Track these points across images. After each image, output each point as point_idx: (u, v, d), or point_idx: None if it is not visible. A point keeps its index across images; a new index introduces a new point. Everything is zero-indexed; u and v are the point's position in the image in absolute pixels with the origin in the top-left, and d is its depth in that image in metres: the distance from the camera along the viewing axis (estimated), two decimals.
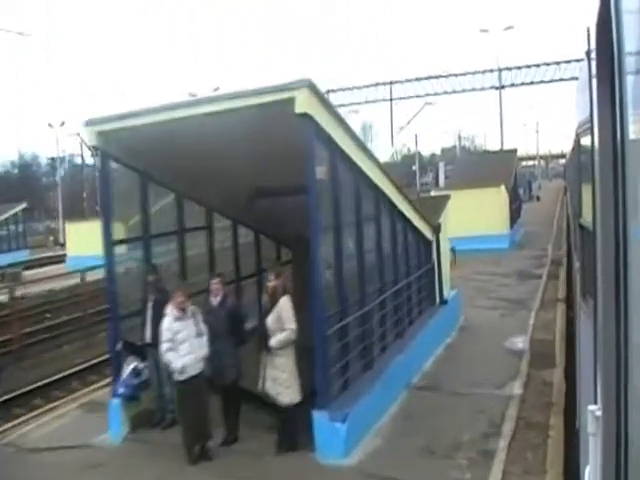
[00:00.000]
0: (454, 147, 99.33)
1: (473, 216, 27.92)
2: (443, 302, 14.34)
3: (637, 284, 1.83)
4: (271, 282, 8.23)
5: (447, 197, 16.29)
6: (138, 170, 10.15)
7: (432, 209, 14.76)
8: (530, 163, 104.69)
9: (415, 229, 12.70)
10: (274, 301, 8.12)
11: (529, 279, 20.99)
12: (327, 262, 8.80)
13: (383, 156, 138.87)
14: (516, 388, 10.70)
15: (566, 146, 66.57)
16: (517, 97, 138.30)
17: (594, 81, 2.53)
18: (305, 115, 7.67)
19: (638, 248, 1.80)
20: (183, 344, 8.31)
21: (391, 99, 49.99)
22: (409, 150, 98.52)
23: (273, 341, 8.05)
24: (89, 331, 19.46)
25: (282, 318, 8.00)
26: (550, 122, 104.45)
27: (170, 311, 8.43)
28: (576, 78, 11.55)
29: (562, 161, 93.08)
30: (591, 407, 2.49)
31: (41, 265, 38.32)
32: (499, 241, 27.65)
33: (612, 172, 2.05)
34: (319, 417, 8.01)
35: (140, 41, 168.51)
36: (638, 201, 1.77)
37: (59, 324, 21.06)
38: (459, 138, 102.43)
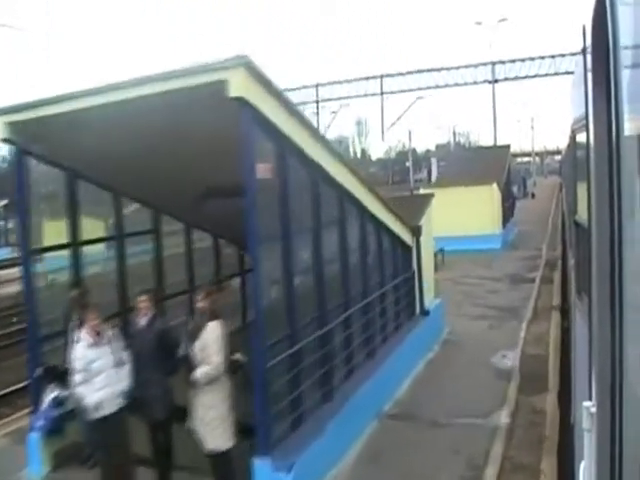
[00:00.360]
0: (449, 143, 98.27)
1: (464, 215, 26.61)
2: (424, 313, 12.90)
3: (631, 281, 1.83)
4: (199, 303, 6.80)
5: (430, 196, 14.84)
6: (62, 166, 8.72)
7: (413, 209, 13.33)
8: (525, 159, 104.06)
9: (390, 233, 11.25)
10: (201, 326, 6.69)
11: (521, 283, 19.59)
12: (275, 277, 7.41)
13: (377, 152, 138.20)
14: (503, 417, 9.29)
15: (562, 142, 65.96)
16: (512, 92, 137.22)
17: (589, 78, 2.56)
18: (241, 100, 6.25)
19: (633, 245, 1.82)
20: (99, 376, 6.89)
21: (382, 93, 48.48)
22: (404, 146, 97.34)
23: (198, 373, 6.62)
24: None
25: (207, 348, 6.57)
26: (546, 118, 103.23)
27: (83, 336, 7.01)
28: (572, 72, 11.27)
29: (558, 157, 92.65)
30: (586, 403, 2.54)
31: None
32: (491, 241, 26.29)
33: (607, 169, 2.06)
34: (260, 466, 6.58)
35: (140, 40, 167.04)
36: (633, 198, 1.80)
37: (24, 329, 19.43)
38: (454, 134, 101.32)
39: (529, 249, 26.72)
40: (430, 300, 13.50)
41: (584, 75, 3.20)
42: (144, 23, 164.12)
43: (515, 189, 69.71)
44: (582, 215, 4.52)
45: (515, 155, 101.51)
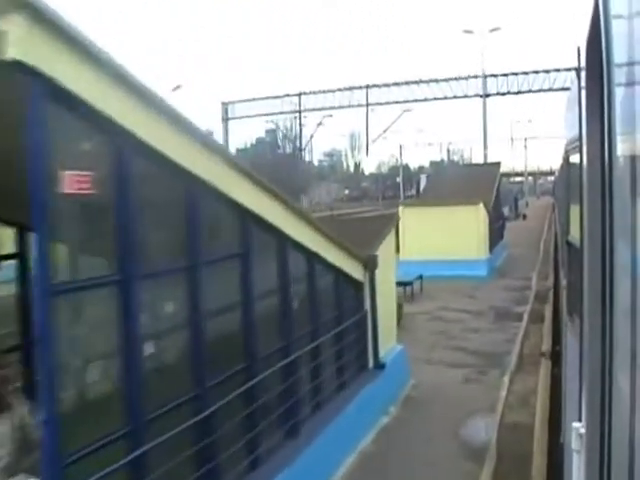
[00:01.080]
0: (442, 161, 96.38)
1: (447, 237, 24.11)
2: (379, 366, 10.22)
3: (623, 302, 1.75)
4: None
5: (393, 217, 12.23)
6: None
7: (370, 235, 10.73)
8: (518, 179, 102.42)
9: (330, 266, 8.60)
10: None
11: (507, 320, 16.93)
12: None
13: (370, 166, 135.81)
14: None
15: (555, 163, 63.93)
16: (506, 109, 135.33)
17: (583, 99, 2.68)
18: (23, 66, 3.65)
19: (624, 266, 1.69)
20: None
21: (367, 104, 45.99)
22: (397, 161, 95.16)
23: None
24: None
25: None
26: (540, 138, 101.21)
27: None
28: (567, 89, 10.82)
29: (551, 178, 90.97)
30: (575, 424, 2.60)
31: None
32: (476, 267, 23.70)
33: (600, 190, 2.10)
34: None
35: (141, 35, 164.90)
36: (625, 219, 1.68)
37: None
38: (448, 151, 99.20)
39: (518, 277, 24.08)
40: (389, 348, 10.81)
41: (578, 96, 3.33)
42: (146, 17, 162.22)
43: (506, 210, 67.66)
44: (575, 235, 4.61)
45: (508, 175, 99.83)
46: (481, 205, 24.48)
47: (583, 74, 2.76)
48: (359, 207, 65.07)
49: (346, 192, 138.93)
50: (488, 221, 25.74)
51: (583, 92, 2.69)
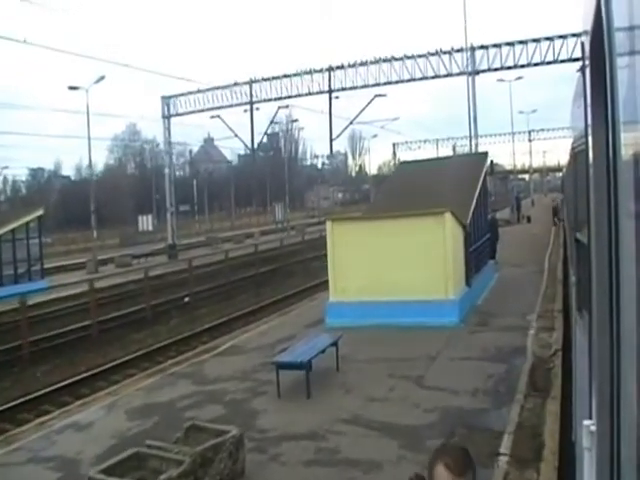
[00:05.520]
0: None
1: (397, 266, 15.78)
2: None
3: (630, 298, 1.77)
4: None
5: None
6: None
7: None
8: (523, 177, 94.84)
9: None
10: None
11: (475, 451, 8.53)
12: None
13: (373, 168, 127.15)
14: None
15: (563, 159, 55.60)
16: (505, 99, 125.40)
17: (588, 95, 2.70)
18: None
19: (631, 262, 1.73)
20: None
21: (330, 90, 37.54)
22: (398, 161, 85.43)
23: None
24: None
25: None
26: (546, 130, 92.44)
27: None
28: (576, 59, 6.05)
29: (559, 174, 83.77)
30: (586, 422, 2.61)
31: None
32: (441, 312, 15.26)
33: (606, 185, 2.10)
34: None
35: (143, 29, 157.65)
36: (631, 215, 1.72)
37: None
38: (453, 148, 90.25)
39: (508, 324, 15.42)
40: None
41: (583, 90, 3.34)
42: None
43: (507, 212, 59.15)
44: (583, 232, 4.65)
45: (510, 172, 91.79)
46: (448, 215, 15.77)
47: (587, 70, 2.78)
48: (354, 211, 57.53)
49: (339, 196, 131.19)
50: (464, 236, 17.24)
51: (588, 89, 2.72)
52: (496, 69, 34.98)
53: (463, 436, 8.81)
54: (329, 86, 37.22)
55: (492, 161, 28.34)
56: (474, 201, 19.12)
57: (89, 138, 41.36)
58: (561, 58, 33.13)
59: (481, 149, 38.85)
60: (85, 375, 17.30)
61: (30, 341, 20.19)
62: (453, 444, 3.38)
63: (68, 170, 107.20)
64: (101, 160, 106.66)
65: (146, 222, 63.39)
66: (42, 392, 15.97)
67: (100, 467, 7.13)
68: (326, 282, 17.78)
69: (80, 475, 8.01)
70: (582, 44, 3.33)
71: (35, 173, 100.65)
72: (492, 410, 9.85)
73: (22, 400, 15.37)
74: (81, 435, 10.01)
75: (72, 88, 40.35)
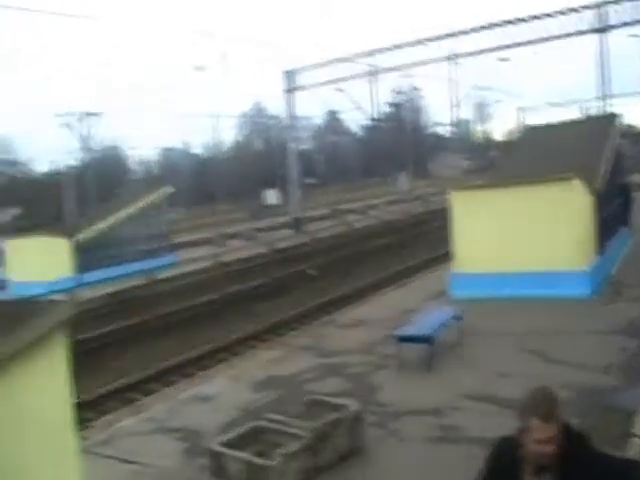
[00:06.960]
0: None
1: (524, 235, 15.19)
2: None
3: None
4: None
5: None
6: None
7: None
8: None
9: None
10: None
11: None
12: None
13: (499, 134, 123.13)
14: None
15: None
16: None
17: None
18: None
19: None
20: None
21: (453, 56, 36.48)
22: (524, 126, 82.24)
23: None
24: None
25: None
26: None
27: None
28: None
29: None
30: None
31: None
32: (572, 284, 14.57)
33: None
34: None
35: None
36: None
37: None
38: (586, 110, 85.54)
39: None
40: None
41: None
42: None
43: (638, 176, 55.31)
44: None
45: None
46: (576, 181, 15.06)
47: None
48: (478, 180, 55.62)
49: (464, 164, 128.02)
50: (594, 203, 16.35)
51: None
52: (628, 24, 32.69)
53: (595, 415, 8.40)
54: (451, 53, 36.16)
55: (625, 122, 26.61)
56: (604, 165, 18.09)
57: (217, 117, 42.32)
58: None
59: (615, 110, 36.55)
60: (208, 349, 17.73)
61: (157, 315, 20.95)
62: (542, 392, 3.30)
63: (197, 149, 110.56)
64: (228, 138, 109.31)
65: (271, 196, 64.44)
66: (168, 365, 16.52)
67: (220, 439, 7.33)
68: (447, 254, 17.45)
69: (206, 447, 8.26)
70: None
71: (166, 153, 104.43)
72: (625, 387, 9.32)
73: (153, 372, 15.97)
74: (205, 406, 10.35)
75: (198, 68, 41.41)
